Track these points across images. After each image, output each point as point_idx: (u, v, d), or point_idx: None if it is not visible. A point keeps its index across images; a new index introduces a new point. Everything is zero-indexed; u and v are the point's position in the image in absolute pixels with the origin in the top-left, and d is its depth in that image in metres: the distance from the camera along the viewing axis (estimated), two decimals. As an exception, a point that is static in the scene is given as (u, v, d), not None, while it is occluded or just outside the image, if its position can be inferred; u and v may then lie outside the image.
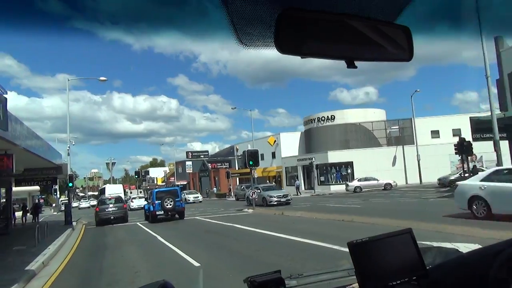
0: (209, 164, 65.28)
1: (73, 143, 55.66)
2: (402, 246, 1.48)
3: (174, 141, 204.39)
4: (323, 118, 45.48)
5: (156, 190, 23.86)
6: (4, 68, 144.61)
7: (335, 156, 41.48)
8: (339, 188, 38.70)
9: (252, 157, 21.45)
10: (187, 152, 77.24)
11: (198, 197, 45.61)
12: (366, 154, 40.88)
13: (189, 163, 74.85)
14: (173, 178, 79.52)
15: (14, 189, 48.65)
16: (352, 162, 41.03)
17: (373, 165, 40.17)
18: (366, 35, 1.15)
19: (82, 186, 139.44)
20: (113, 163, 77.94)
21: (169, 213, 21.25)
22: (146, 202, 29.49)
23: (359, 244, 1.44)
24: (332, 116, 44.75)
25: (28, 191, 50.31)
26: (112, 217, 22.41)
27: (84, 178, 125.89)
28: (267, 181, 50.70)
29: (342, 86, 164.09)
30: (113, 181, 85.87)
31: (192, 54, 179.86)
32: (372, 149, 41.55)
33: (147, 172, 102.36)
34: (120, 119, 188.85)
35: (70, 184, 26.68)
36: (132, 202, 41.93)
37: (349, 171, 41.50)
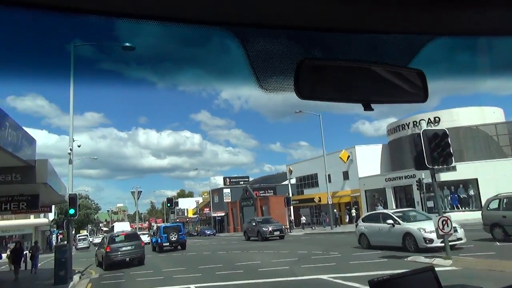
0: (253, 192, 53.79)
1: (79, 145, 46.18)
2: (424, 284, 1.43)
3: (198, 175, 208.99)
4: (421, 123, 33.51)
5: (163, 226, 28.41)
6: (37, 109, 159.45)
7: (450, 172, 29.21)
8: (461, 216, 26.13)
9: (439, 144, 9.90)
10: (224, 178, 66.19)
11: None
12: (495, 168, 28.48)
13: (227, 190, 63.51)
14: (207, 209, 68.08)
15: (12, 222, 38.43)
16: (476, 179, 28.62)
17: (508, 184, 27.65)
18: (381, 80, 1.19)
19: (106, 220, 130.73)
20: (139, 192, 67.94)
21: (173, 244, 25.20)
22: (149, 238, 33.36)
23: (380, 283, 1.38)
24: (436, 119, 32.77)
25: (34, 224, 39.93)
26: (127, 259, 18.18)
27: (108, 211, 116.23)
28: (335, 210, 38.54)
29: (364, 118, 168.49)
30: (139, 214, 75.95)
31: (214, 90, 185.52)
32: (507, 161, 29.08)
33: (176, 204, 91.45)
34: (145, 155, 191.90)
35: (71, 211, 15.81)
36: None
37: (471, 192, 29.03)
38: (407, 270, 1.46)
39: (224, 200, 62.29)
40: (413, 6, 1.05)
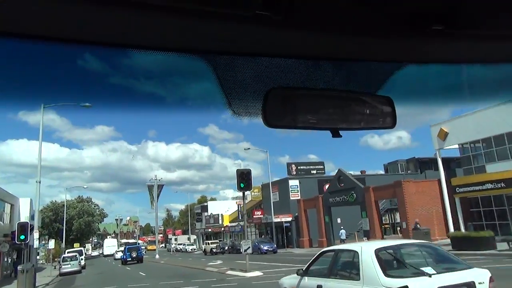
0: (359, 182, 32.52)
1: (90, 105, 30.90)
2: None
3: (207, 189, 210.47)
4: None
5: (128, 247, 41.79)
6: (48, 122, 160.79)
7: None
8: None
9: None
10: (288, 165, 44.56)
11: None
12: None
13: (294, 182, 42.08)
14: (258, 212, 46.60)
15: None
16: None
17: None
18: (350, 107, 1.19)
19: (114, 232, 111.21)
20: (160, 186, 47.17)
21: (134, 259, 37.31)
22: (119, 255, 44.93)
23: None
24: None
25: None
26: None
27: (116, 220, 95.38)
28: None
29: (373, 132, 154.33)
30: (150, 225, 55.83)
31: (222, 105, 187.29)
32: None
33: (204, 209, 70.08)
34: (155, 168, 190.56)
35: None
36: (117, 254, 48.26)
37: None
38: None
39: (291, 198, 40.98)
40: (382, 35, 1.05)
